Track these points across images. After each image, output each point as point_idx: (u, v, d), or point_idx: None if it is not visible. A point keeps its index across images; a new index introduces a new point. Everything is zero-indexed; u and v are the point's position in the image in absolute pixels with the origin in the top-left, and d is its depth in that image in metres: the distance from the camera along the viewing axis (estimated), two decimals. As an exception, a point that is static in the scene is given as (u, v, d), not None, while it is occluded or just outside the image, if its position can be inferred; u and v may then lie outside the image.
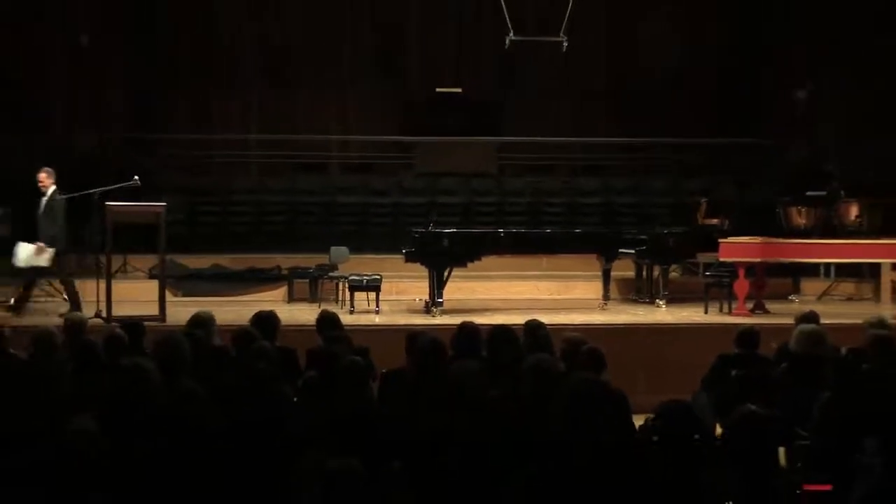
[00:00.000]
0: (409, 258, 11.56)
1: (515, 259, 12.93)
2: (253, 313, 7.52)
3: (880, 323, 7.51)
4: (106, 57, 16.81)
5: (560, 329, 7.81)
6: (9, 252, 12.51)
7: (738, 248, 11.47)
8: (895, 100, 15.92)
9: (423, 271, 11.57)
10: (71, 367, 6.29)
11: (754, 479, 4.38)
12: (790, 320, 7.99)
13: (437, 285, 11.27)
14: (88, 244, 12.67)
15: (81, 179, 12.37)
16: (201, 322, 7.30)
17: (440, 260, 11.30)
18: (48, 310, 11.31)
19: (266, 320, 7.26)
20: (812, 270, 13.58)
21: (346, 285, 11.84)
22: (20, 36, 15.55)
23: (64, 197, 10.93)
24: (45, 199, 10.93)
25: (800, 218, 12.22)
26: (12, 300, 11.07)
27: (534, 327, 7.10)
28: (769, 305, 11.62)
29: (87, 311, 9.44)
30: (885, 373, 6.26)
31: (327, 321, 7.66)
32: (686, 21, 18.37)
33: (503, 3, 15.20)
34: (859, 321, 8.04)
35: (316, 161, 17.69)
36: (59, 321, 7.64)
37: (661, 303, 11.97)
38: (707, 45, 18.38)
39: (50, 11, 16.02)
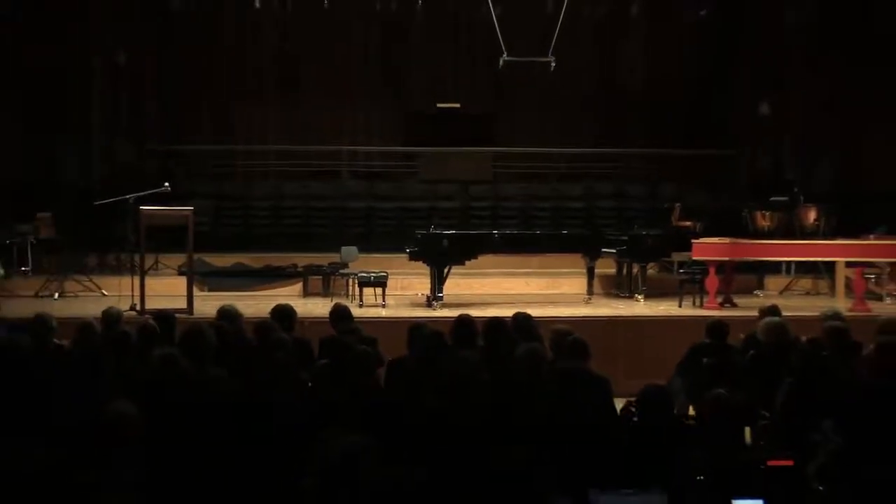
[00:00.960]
0: (413, 257, 11.56)
1: (508, 258, 12.91)
2: (272, 307, 7.52)
3: (835, 315, 7.51)
4: (141, 75, 16.86)
5: (549, 321, 7.80)
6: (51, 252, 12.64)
7: (709, 248, 11.47)
8: (849, 115, 16.02)
9: (424, 269, 11.56)
10: (109, 355, 6.31)
11: (723, 456, 4.40)
12: (755, 313, 8.00)
13: (438, 281, 11.27)
14: (124, 244, 12.68)
15: (119, 186, 12.41)
16: (227, 315, 7.32)
17: (440, 259, 11.30)
18: (88, 303, 11.31)
19: (284, 313, 7.26)
20: (775, 268, 13.56)
21: (356, 281, 11.83)
22: (65, 55, 15.53)
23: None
24: None
25: (764, 221, 12.23)
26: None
27: (520, 319, 7.10)
28: (736, 300, 11.62)
29: (123, 304, 9.43)
30: (840, 361, 6.28)
31: (340, 314, 7.62)
32: (660, 44, 18.37)
33: (497, 27, 15.26)
34: (817, 314, 8.05)
35: (328, 169, 17.67)
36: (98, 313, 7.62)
37: (639, 297, 11.98)
38: (679, 65, 18.38)
39: (92, 33, 16.01)
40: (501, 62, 15.57)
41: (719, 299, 11.38)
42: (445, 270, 11.31)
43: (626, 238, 12.23)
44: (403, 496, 3.48)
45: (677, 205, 14.36)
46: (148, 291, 10.29)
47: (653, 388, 4.87)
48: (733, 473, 4.18)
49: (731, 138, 17.78)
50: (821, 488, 4.36)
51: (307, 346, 6.99)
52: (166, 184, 11.81)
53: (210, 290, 12.43)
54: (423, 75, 18.33)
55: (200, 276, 12.30)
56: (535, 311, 7.59)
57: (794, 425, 5.32)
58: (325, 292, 12.48)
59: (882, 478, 4.23)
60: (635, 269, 12.26)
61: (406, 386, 5.90)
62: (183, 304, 10.05)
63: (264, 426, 4.68)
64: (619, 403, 5.66)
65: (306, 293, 12.75)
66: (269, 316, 7.24)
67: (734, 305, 11.37)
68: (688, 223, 13.47)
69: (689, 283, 11.75)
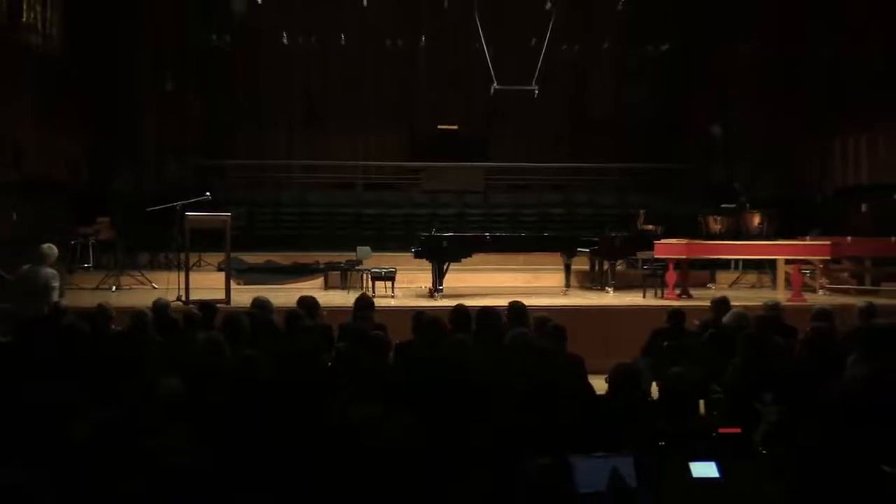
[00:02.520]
0: (417, 255, 11.56)
1: (498, 256, 12.93)
2: (297, 297, 7.52)
3: (776, 305, 7.54)
4: (186, 102, 16.89)
5: (532, 309, 7.80)
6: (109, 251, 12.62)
7: (669, 248, 11.48)
8: (786, 135, 16.06)
9: (427, 265, 11.57)
10: (159, 339, 6.31)
11: (681, 424, 4.39)
12: (708, 303, 8.00)
13: (438, 276, 11.28)
14: (172, 244, 12.67)
15: (167, 195, 12.41)
16: (260, 304, 7.32)
17: (440, 257, 11.32)
18: (140, 295, 11.31)
19: (308, 303, 7.26)
20: (724, 265, 13.58)
21: (369, 276, 11.86)
22: (121, 84, 15.58)
23: None
24: None
25: (715, 225, 12.20)
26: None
27: (516, 308, 7.05)
28: (692, 291, 11.62)
29: (171, 295, 9.42)
30: (780, 343, 6.28)
31: (365, 302, 7.53)
32: (627, 74, 18.43)
33: (489, 61, 15.30)
34: (759, 303, 8.05)
35: (345, 181, 17.71)
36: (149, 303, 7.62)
37: (609, 289, 11.97)
38: (644, 92, 18.46)
39: (143, 65, 16.04)
40: (492, 90, 15.66)
41: (677, 291, 11.39)
42: (445, 266, 11.32)
43: (598, 239, 12.22)
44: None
45: (642, 211, 14.35)
46: (192, 285, 10.31)
47: (622, 367, 4.86)
48: (690, 440, 4.17)
49: (687, 155, 17.86)
50: (764, 452, 4.36)
51: (328, 331, 6.99)
52: (207, 193, 11.77)
53: (245, 283, 12.43)
54: (426, 102, 18.39)
55: (236, 272, 12.30)
56: (521, 301, 7.55)
57: (741, 398, 5.32)
58: (343, 285, 12.47)
59: (814, 440, 4.23)
60: (606, 266, 12.26)
61: (411, 365, 5.90)
62: (222, 296, 10.06)
63: (291, 400, 4.68)
64: (592, 379, 5.65)
65: (327, 286, 12.76)
66: (295, 305, 7.24)
67: (690, 296, 11.37)
68: (650, 227, 13.45)
69: (652, 277, 11.75)
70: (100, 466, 3.46)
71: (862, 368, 4.98)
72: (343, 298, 10.48)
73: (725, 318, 6.88)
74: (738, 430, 4.57)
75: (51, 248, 8.49)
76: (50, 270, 8.37)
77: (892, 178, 14.11)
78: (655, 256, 11.58)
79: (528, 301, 7.81)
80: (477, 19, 15.72)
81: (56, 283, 8.38)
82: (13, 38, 13.14)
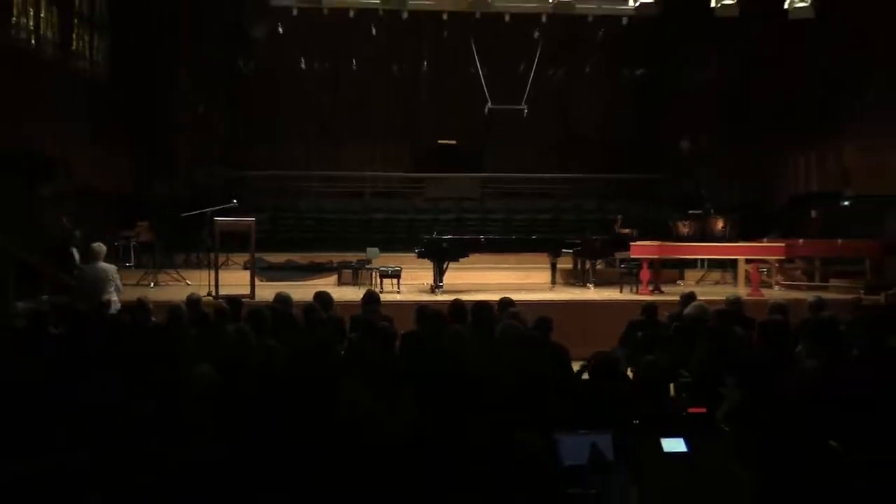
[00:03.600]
0: (420, 255, 11.54)
1: (492, 256, 12.86)
2: (314, 293, 7.50)
3: (736, 300, 7.54)
4: (215, 120, 16.90)
5: (522, 304, 7.79)
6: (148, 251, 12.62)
7: (643, 249, 11.46)
8: (747, 149, 16.08)
9: (429, 264, 11.53)
10: (192, 330, 6.31)
11: (653, 405, 4.40)
12: (677, 297, 8.01)
13: (439, 274, 11.27)
14: (203, 246, 12.68)
15: (199, 202, 12.41)
16: (281, 299, 7.30)
17: (441, 257, 11.30)
18: (176, 291, 11.30)
19: (323, 298, 7.23)
20: (692, 264, 13.57)
21: (378, 274, 11.84)
22: (159, 105, 15.61)
23: None
24: None
25: (684, 228, 12.20)
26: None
27: (506, 302, 7.08)
28: (663, 287, 11.61)
29: (202, 291, 9.39)
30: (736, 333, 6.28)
31: (373, 297, 7.50)
32: (607, 95, 18.43)
33: (483, 83, 15.32)
34: (722, 298, 8.05)
35: (356, 190, 17.69)
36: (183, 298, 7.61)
37: (590, 286, 11.96)
38: (622, 111, 18.47)
39: (178, 89, 16.05)
40: (486, 109, 15.67)
41: (650, 287, 11.38)
42: (444, 265, 11.30)
43: (580, 241, 12.21)
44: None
45: (619, 217, 14.33)
46: (221, 281, 10.28)
47: (602, 354, 4.86)
48: (661, 418, 4.18)
49: (660, 166, 17.85)
50: (726, 429, 4.37)
51: (341, 323, 6.98)
52: (234, 201, 11.81)
53: (267, 280, 12.39)
54: (427, 119, 18.36)
55: (260, 270, 12.26)
56: (512, 296, 7.56)
57: (706, 382, 5.32)
58: (355, 282, 12.46)
59: (769, 418, 4.24)
60: (588, 265, 12.23)
61: (414, 353, 5.90)
62: (247, 291, 10.03)
63: (308, 384, 4.67)
64: (574, 365, 5.65)
65: (340, 283, 12.73)
66: (312, 300, 7.23)
67: (661, 292, 11.36)
68: (627, 230, 13.43)
69: (628, 275, 11.74)
70: (136, 449, 3.45)
71: (812, 362, 4.96)
72: (354, 294, 10.47)
73: (687, 310, 6.85)
74: (703, 410, 4.58)
75: (100, 246, 8.66)
76: (109, 266, 8.56)
77: (838, 187, 14.22)
78: (631, 256, 11.56)
79: (519, 296, 7.83)
80: (473, 47, 15.81)
81: (116, 276, 8.55)
82: (65, 65, 13.18)
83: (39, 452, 2.98)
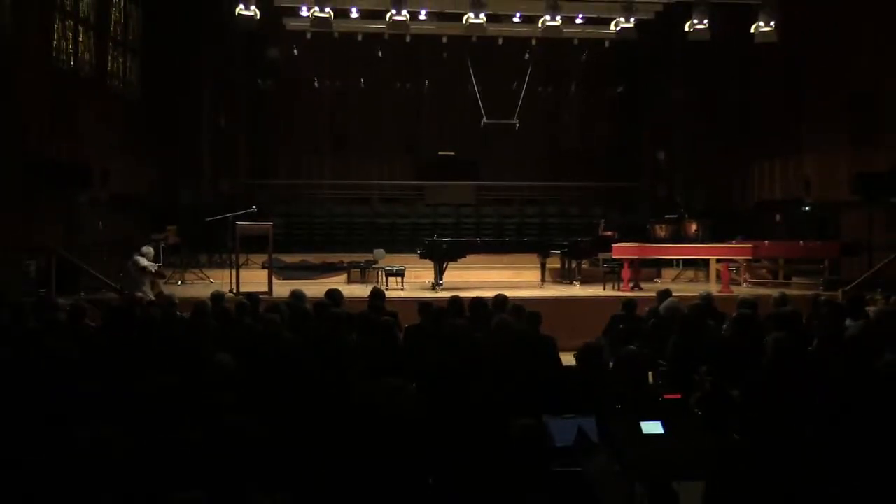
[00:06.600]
0: (422, 256, 11.53)
1: (487, 256, 12.86)
2: (326, 290, 7.48)
3: (708, 296, 7.53)
4: (235, 134, 16.88)
5: (515, 300, 7.78)
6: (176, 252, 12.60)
7: (624, 250, 11.43)
8: (717, 159, 16.09)
9: (430, 264, 11.52)
10: (215, 323, 6.29)
11: (633, 391, 4.39)
12: (654, 293, 7.99)
13: (439, 272, 11.25)
14: (226, 247, 12.66)
15: (222, 208, 12.39)
16: (296, 296, 7.28)
17: (441, 257, 11.29)
18: (201, 288, 11.30)
19: (334, 294, 7.21)
20: (668, 263, 13.54)
21: (383, 273, 11.82)
22: (184, 120, 15.59)
23: None
24: None
25: (661, 231, 12.17)
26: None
27: (499, 299, 7.07)
28: (642, 285, 11.59)
29: (225, 288, 9.39)
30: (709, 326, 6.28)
31: (378, 294, 7.50)
32: (590, 110, 18.48)
33: (479, 99, 15.33)
34: (696, 294, 8.04)
35: (364, 196, 17.66)
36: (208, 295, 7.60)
37: (576, 283, 11.95)
38: (603, 125, 18.52)
39: (202, 104, 16.03)
40: (482, 123, 15.67)
41: (631, 284, 11.36)
42: (444, 265, 11.29)
43: (567, 243, 12.20)
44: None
45: (602, 220, 14.35)
46: (241, 279, 10.31)
47: (588, 346, 4.85)
48: (640, 404, 4.17)
49: (639, 175, 17.87)
50: (700, 413, 4.36)
51: (350, 317, 6.97)
52: (254, 207, 11.80)
53: (283, 278, 12.35)
54: (428, 132, 18.38)
55: (277, 269, 12.23)
56: (505, 293, 7.54)
57: (681, 370, 5.32)
58: (363, 280, 12.44)
59: (738, 404, 4.23)
60: (574, 264, 12.23)
61: (417, 345, 5.89)
62: (265, 288, 10.05)
63: (321, 372, 4.66)
64: (562, 356, 5.63)
65: (349, 281, 12.69)
66: (324, 296, 7.22)
67: (641, 289, 11.34)
68: (609, 233, 13.40)
69: (611, 273, 11.73)
70: (166, 422, 3.45)
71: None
72: (362, 291, 10.44)
73: (663, 305, 6.84)
74: (678, 396, 4.57)
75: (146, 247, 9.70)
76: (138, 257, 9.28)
77: (800, 194, 14.25)
78: (613, 257, 11.54)
79: (511, 293, 7.81)
80: (470, 67, 15.82)
81: (143, 257, 9.34)
82: (102, 84, 13.19)
83: (81, 427, 3.00)
